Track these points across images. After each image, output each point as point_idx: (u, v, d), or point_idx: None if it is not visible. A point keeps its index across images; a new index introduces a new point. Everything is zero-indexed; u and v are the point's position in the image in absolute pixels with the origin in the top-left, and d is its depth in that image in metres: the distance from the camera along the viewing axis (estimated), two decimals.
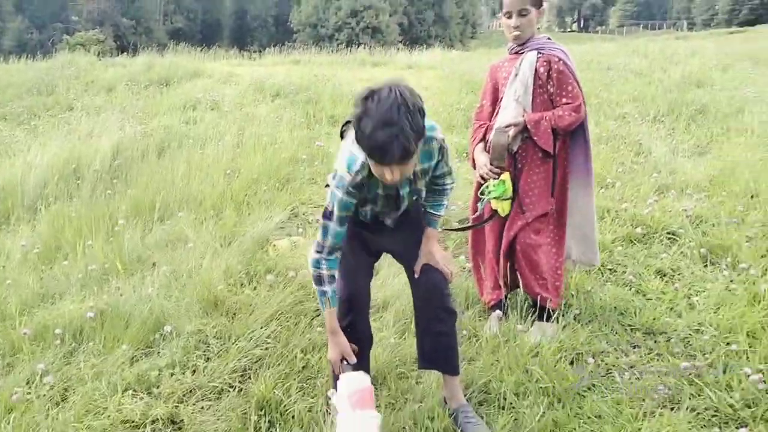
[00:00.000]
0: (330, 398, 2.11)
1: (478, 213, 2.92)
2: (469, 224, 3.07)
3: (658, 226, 3.90)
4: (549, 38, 2.85)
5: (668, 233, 3.85)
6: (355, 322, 2.24)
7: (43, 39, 34.75)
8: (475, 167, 2.97)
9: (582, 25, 74.43)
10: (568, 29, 75.85)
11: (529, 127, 2.74)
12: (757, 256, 3.44)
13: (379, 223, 2.23)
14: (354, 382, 2.01)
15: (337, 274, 2.13)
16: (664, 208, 4.15)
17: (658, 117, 7.15)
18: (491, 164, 2.78)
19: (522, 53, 2.81)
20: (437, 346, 2.29)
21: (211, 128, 7.29)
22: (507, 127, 2.74)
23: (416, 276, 2.24)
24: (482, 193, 2.84)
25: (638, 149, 5.93)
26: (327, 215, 2.04)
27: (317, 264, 2.08)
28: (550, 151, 2.76)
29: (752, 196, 4.33)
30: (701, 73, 9.44)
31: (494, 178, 2.77)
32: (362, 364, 2.26)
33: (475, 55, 15.07)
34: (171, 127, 7.61)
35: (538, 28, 2.86)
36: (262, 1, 50.95)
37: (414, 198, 2.17)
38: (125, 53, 16.74)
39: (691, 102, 7.44)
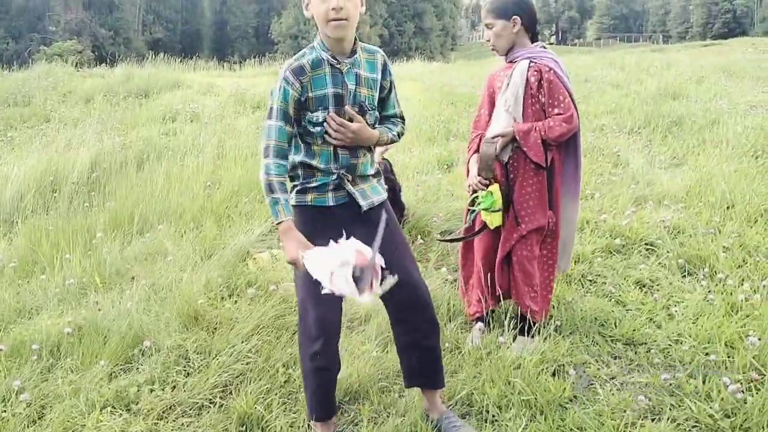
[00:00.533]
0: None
1: (467, 224, 2.91)
2: (461, 236, 3.04)
3: (637, 237, 3.95)
4: (544, 47, 2.83)
5: (646, 244, 3.90)
6: (326, 346, 2.09)
7: (20, 49, 34.28)
8: (468, 158, 2.98)
9: (560, 38, 75.36)
10: (546, 42, 76.71)
11: (517, 137, 2.70)
12: (733, 266, 3.49)
13: (349, 206, 2.09)
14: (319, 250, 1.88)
15: (285, 184, 1.98)
16: (642, 219, 4.20)
17: (635, 129, 7.26)
18: (479, 175, 2.76)
19: (515, 62, 2.80)
20: (425, 361, 2.26)
21: (191, 140, 7.26)
22: (495, 137, 2.73)
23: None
24: (472, 205, 2.83)
25: (616, 161, 6.01)
26: (268, 115, 2.01)
27: (267, 170, 1.96)
28: (541, 163, 2.72)
29: (728, 207, 4.40)
30: (677, 85, 9.61)
31: (483, 190, 2.76)
32: (331, 392, 2.23)
33: (455, 67, 15.19)
34: (150, 138, 7.57)
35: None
36: (242, 13, 50.91)
37: (368, 120, 2.08)
38: (103, 64, 16.63)
39: (667, 114, 7.56)
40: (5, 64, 16.49)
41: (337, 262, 1.79)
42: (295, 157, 2.09)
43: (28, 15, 40.80)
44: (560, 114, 2.71)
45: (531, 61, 2.75)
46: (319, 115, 2.02)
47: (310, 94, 2.02)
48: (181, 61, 17.40)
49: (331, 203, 2.09)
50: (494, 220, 2.77)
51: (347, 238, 1.91)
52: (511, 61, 2.83)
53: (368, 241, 1.86)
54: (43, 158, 6.32)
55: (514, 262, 2.81)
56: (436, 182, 5.56)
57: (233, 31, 50.84)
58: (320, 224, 2.06)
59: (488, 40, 2.82)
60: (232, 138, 7.22)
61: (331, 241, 1.87)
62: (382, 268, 1.84)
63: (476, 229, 2.89)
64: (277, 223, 1.97)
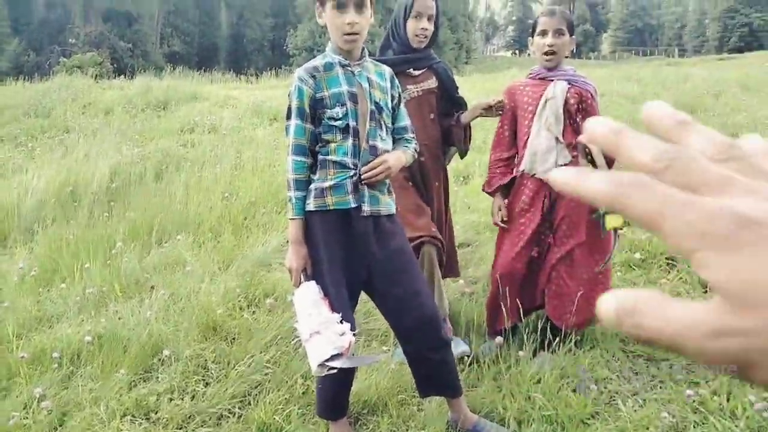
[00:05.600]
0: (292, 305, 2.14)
1: (602, 236, 2.71)
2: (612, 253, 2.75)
3: (657, 251, 3.91)
4: (575, 70, 2.83)
5: (667, 259, 3.86)
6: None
7: (41, 61, 34.88)
8: (488, 192, 2.96)
9: (575, 52, 75.24)
10: None
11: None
12: None
13: (359, 219, 2.09)
14: (313, 290, 2.03)
15: (306, 183, 2.09)
16: None
17: None
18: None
19: (548, 79, 2.78)
20: (436, 374, 2.26)
21: (209, 151, 7.32)
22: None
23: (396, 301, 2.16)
24: (592, 212, 2.67)
25: None
26: (287, 115, 2.11)
27: (288, 167, 2.11)
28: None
29: None
30: (694, 99, 9.56)
31: None
32: (343, 395, 2.26)
33: (470, 80, 15.19)
34: (169, 149, 7.63)
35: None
36: (258, 26, 51.40)
37: (377, 134, 2.12)
38: (122, 76, 16.83)
39: None
40: (27, 75, 16.78)
41: (327, 329, 1.92)
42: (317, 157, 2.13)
43: (49, 27, 41.52)
44: None
45: (570, 84, 2.75)
46: (338, 111, 2.07)
47: (325, 93, 2.07)
48: (198, 74, 17.59)
49: (353, 204, 2.08)
50: (615, 221, 2.57)
51: (361, 255, 2.09)
52: (541, 78, 2.82)
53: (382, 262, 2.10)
54: (63, 168, 6.41)
55: (554, 277, 2.76)
56: (453, 194, 5.54)
57: (249, 44, 51.32)
58: (336, 236, 2.09)
59: (551, 46, 2.74)
60: (249, 149, 7.27)
61: (328, 306, 1.98)
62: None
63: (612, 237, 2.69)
64: (290, 219, 2.10)
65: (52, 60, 31.11)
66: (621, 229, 2.63)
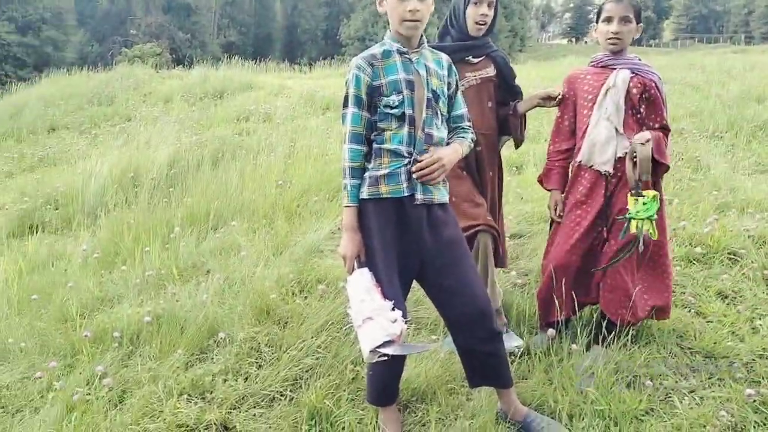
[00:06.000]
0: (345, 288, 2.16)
1: (623, 239, 2.63)
2: (626, 251, 2.67)
3: (719, 246, 3.77)
4: (639, 58, 2.75)
5: (729, 253, 3.72)
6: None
7: (103, 51, 36.09)
8: (544, 186, 2.94)
9: (635, 39, 72.92)
10: None
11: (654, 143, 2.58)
12: None
13: (412, 208, 2.09)
14: (366, 277, 2.04)
15: (361, 171, 2.09)
16: (724, 227, 4.01)
17: (716, 133, 6.94)
18: (640, 179, 2.56)
19: (610, 68, 2.72)
20: (486, 365, 2.25)
21: (264, 139, 7.43)
22: (647, 140, 2.56)
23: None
24: (629, 215, 2.58)
25: (696, 165, 5.77)
26: (344, 103, 2.12)
27: (344, 155, 2.10)
28: (667, 164, 2.65)
29: None
30: (761, 88, 9.12)
31: (641, 195, 2.55)
32: (394, 381, 2.27)
33: (525, 69, 14.94)
34: (225, 137, 7.79)
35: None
36: (312, 16, 51.72)
37: (435, 123, 2.12)
38: (181, 66, 17.27)
39: (751, 118, 7.20)
40: (90, 65, 17.38)
41: (380, 315, 1.93)
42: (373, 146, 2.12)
43: (111, 19, 42.90)
44: (658, 129, 2.67)
45: (633, 73, 2.68)
46: (394, 99, 2.06)
47: (382, 81, 2.07)
48: (253, 64, 17.86)
49: (406, 193, 2.08)
50: (652, 228, 2.57)
51: (414, 244, 2.10)
52: (603, 66, 2.76)
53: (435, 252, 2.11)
54: (124, 155, 6.63)
55: (609, 270, 2.68)
56: (506, 184, 5.47)
57: (303, 34, 51.73)
58: (390, 224, 2.09)
59: (616, 33, 2.66)
60: (302, 138, 7.35)
61: (382, 294, 2.00)
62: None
63: (638, 241, 2.60)
64: (345, 206, 2.10)
65: (114, 50, 32.17)
66: (651, 236, 2.57)
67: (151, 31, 39.14)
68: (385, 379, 2.27)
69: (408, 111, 2.06)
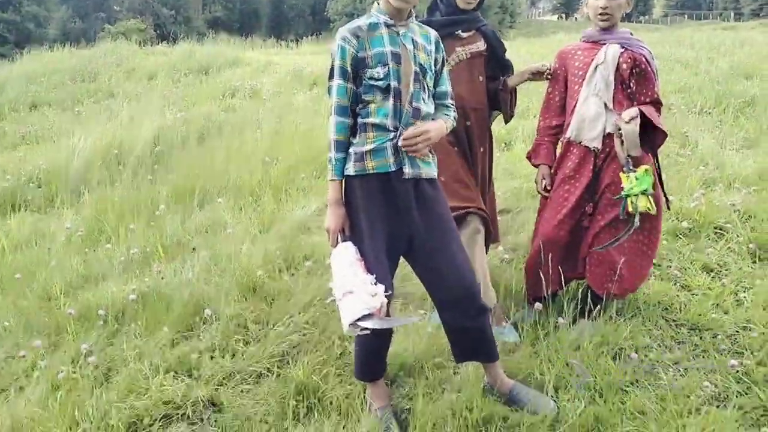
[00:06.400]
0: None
1: (621, 216, 2.61)
2: (620, 235, 2.65)
3: (705, 220, 3.78)
4: (631, 33, 2.72)
5: (715, 228, 3.74)
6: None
7: (86, 28, 35.50)
8: (532, 162, 2.92)
9: (624, 15, 72.66)
10: None
11: (647, 114, 2.56)
12: None
13: (400, 183, 2.06)
14: (350, 251, 2.03)
15: (347, 144, 2.06)
16: (711, 202, 4.02)
17: (705, 109, 6.95)
18: (630, 155, 2.56)
19: (600, 43, 2.69)
20: (472, 341, 2.25)
21: (250, 116, 7.36)
22: (632, 117, 2.54)
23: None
24: (624, 193, 2.58)
25: (684, 141, 5.77)
26: (329, 75, 2.09)
27: (329, 128, 2.08)
28: (664, 131, 2.62)
29: None
30: (750, 65, 9.14)
31: (632, 171, 2.56)
32: (380, 355, 2.27)
33: (515, 45, 14.83)
34: (210, 114, 7.71)
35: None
36: None
37: (422, 99, 2.08)
38: (165, 42, 17.00)
39: (739, 94, 7.22)
40: (73, 42, 17.08)
41: (360, 289, 1.92)
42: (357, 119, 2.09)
43: None
44: (649, 103, 2.65)
45: (623, 47, 2.65)
46: (379, 71, 2.03)
47: (368, 52, 2.03)
48: (240, 39, 17.63)
49: (393, 168, 2.05)
50: (649, 203, 2.56)
51: (402, 220, 2.08)
52: (594, 41, 2.73)
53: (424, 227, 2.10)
54: (108, 132, 6.54)
55: (596, 245, 2.68)
56: (495, 160, 5.46)
57: (290, 10, 50.97)
58: (377, 200, 2.06)
59: (604, 8, 2.64)
60: (289, 114, 7.28)
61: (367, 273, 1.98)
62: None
63: (634, 219, 2.59)
64: (329, 180, 2.09)
65: (97, 27, 31.61)
66: (649, 211, 2.56)
67: (134, 6, 38.39)
68: (372, 355, 2.27)
69: (393, 84, 2.03)
